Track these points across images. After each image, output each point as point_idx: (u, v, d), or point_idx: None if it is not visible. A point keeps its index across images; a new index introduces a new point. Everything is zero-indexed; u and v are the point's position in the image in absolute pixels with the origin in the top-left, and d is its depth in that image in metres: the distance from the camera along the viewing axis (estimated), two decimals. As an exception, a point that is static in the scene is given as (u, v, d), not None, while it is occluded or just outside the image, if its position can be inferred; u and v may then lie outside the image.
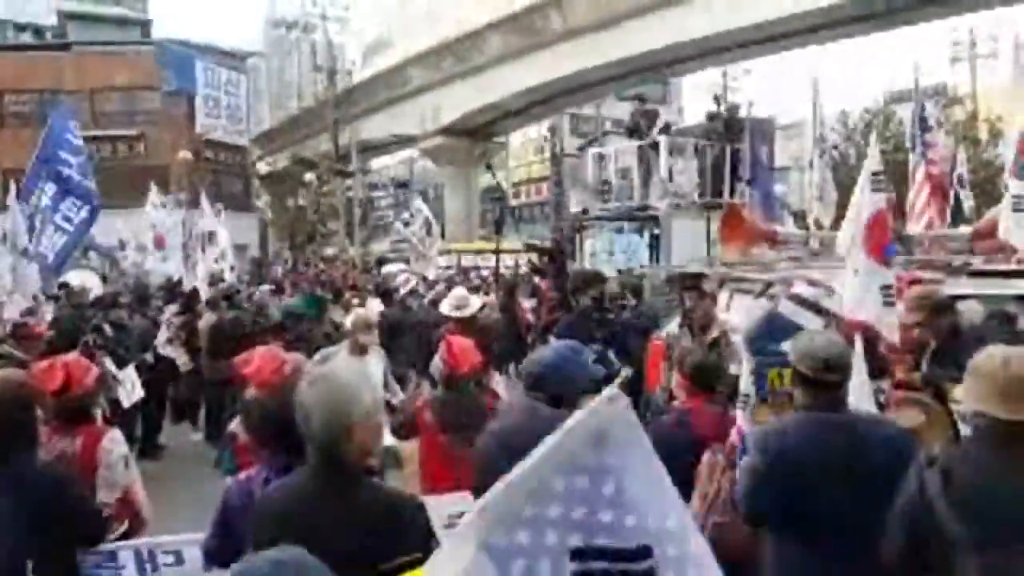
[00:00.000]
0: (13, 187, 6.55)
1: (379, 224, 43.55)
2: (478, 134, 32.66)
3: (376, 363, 5.20)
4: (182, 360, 7.58)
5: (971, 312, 3.62)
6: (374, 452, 2.13)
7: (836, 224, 8.51)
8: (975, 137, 22.22)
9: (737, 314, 4.30)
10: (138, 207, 14.11)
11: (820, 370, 2.47)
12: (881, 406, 3.11)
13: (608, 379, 4.65)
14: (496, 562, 1.18)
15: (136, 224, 14.17)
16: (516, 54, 27.57)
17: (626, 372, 4.50)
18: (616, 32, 23.60)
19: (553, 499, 1.22)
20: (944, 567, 2.08)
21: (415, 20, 38.37)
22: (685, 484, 2.76)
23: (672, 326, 5.35)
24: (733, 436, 3.07)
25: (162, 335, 7.83)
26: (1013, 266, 4.33)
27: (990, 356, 2.17)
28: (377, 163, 47.91)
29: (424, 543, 1.95)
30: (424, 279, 12.34)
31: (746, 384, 3.14)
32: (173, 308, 8.43)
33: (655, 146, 10.51)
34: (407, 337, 7.83)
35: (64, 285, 9.38)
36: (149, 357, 7.64)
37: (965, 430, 2.62)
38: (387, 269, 13.55)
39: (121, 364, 5.73)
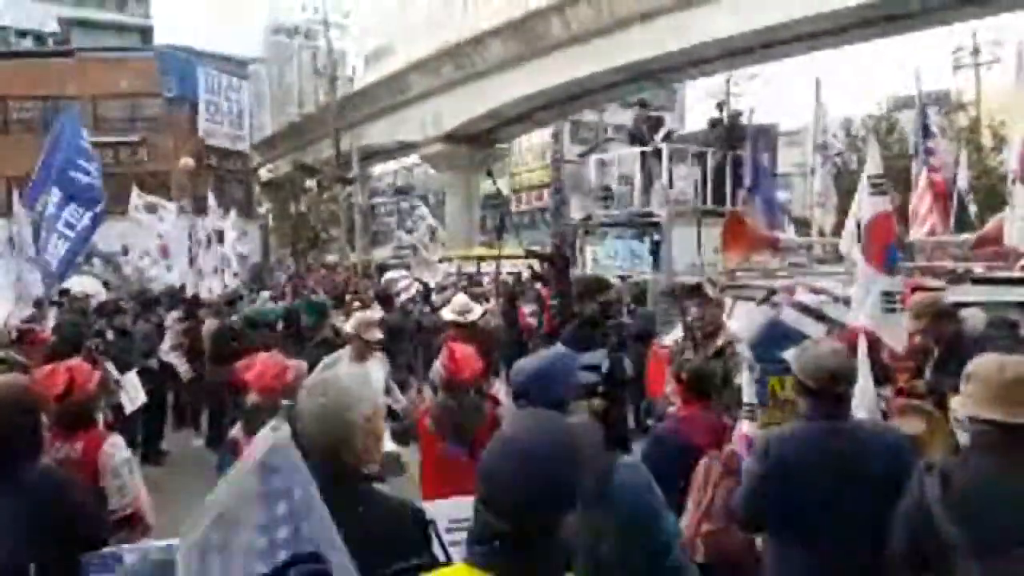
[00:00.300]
0: (16, 194, 6.55)
1: (381, 231, 43.62)
2: (479, 140, 32.70)
3: (378, 369, 5.19)
4: (183, 369, 7.59)
5: (974, 319, 3.60)
6: (374, 458, 2.12)
7: (838, 231, 8.51)
8: (978, 143, 22.23)
9: (739, 321, 4.29)
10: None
11: (824, 381, 2.47)
12: (884, 413, 3.10)
13: (613, 384, 4.65)
14: None
15: (138, 230, 14.18)
16: (517, 60, 27.63)
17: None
18: (618, 38, 23.63)
19: (237, 526, 1.36)
20: (944, 572, 2.09)
21: (416, 26, 38.48)
22: (675, 490, 2.80)
23: (676, 333, 5.34)
24: (735, 444, 3.06)
25: (166, 341, 7.84)
26: (1016, 273, 4.33)
27: (986, 362, 2.19)
28: (378, 169, 48.00)
29: (425, 550, 1.95)
30: (425, 285, 12.35)
31: (750, 393, 3.13)
32: (176, 314, 8.44)
33: (657, 153, 10.52)
34: (407, 342, 7.84)
35: (66, 291, 9.39)
36: (153, 363, 7.65)
37: (963, 439, 2.62)
38: (389, 275, 13.56)
39: (124, 370, 5.73)
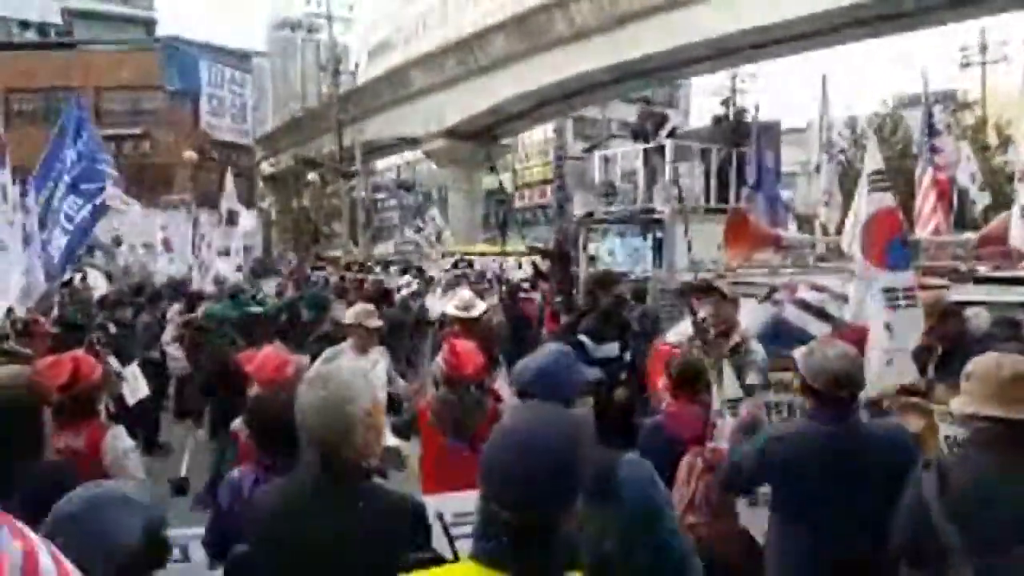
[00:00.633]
0: (19, 186, 6.52)
1: (383, 226, 43.63)
2: (482, 136, 32.67)
3: (380, 361, 5.20)
4: (180, 364, 7.57)
5: (978, 318, 3.59)
6: (375, 452, 2.12)
7: (842, 229, 8.50)
8: (984, 143, 22.17)
9: (741, 319, 4.28)
10: (143, 206, 14.13)
11: (829, 385, 2.49)
12: (884, 412, 3.10)
13: (616, 380, 4.64)
14: None
15: (140, 223, 14.19)
16: (520, 56, 27.59)
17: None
18: (621, 34, 23.59)
19: None
20: (943, 569, 2.09)
21: (419, 22, 38.45)
22: (664, 483, 2.81)
23: (680, 330, 5.33)
24: (720, 440, 3.06)
25: (167, 333, 7.84)
26: (1020, 272, 4.31)
27: (985, 360, 2.22)
28: (381, 164, 47.97)
29: (425, 545, 1.95)
30: (422, 273, 12.38)
31: (734, 389, 3.14)
32: (177, 307, 8.44)
33: (660, 149, 10.50)
34: (407, 337, 7.85)
35: (67, 283, 9.38)
36: (154, 355, 7.66)
37: (948, 430, 2.62)
38: (403, 280, 13.56)
39: (125, 362, 5.73)
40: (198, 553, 2.54)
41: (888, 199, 3.46)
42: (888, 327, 3.24)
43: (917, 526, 2.17)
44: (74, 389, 2.98)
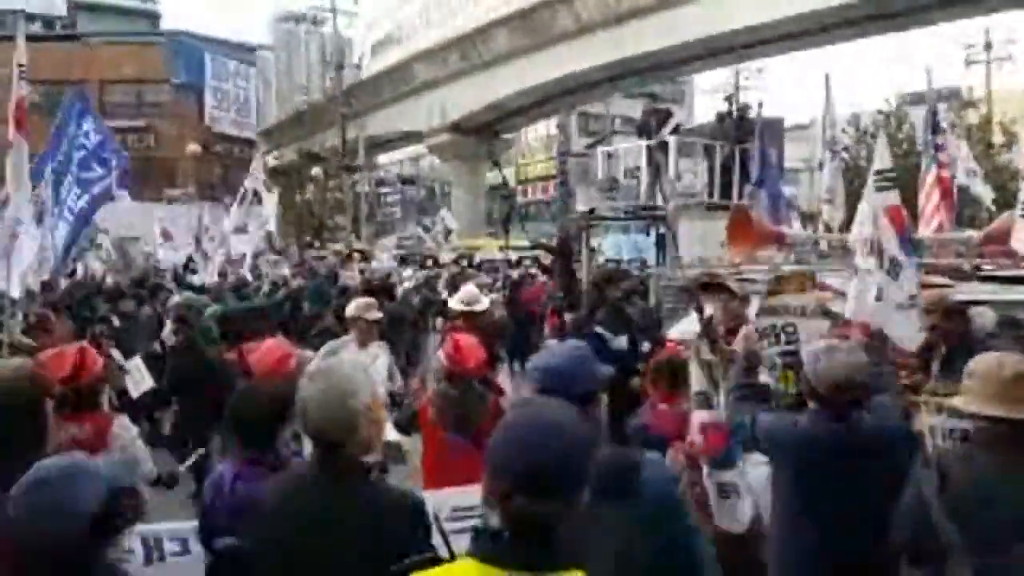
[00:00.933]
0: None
1: (386, 220, 43.58)
2: (485, 131, 32.62)
3: (381, 355, 5.20)
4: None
5: (983, 317, 3.58)
6: (375, 447, 2.14)
7: (846, 227, 8.47)
8: (989, 141, 22.07)
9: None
10: (147, 200, 14.19)
11: (831, 390, 2.53)
12: None
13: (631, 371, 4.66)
14: None
15: (143, 216, 14.25)
16: (524, 51, 27.52)
17: None
18: (626, 29, 23.53)
19: None
20: (942, 568, 2.11)
21: (423, 16, 38.32)
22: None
23: (683, 327, 5.33)
24: (694, 435, 3.08)
25: (168, 325, 7.83)
26: (1024, 271, 4.29)
27: (986, 359, 2.25)
28: (384, 159, 47.91)
29: (425, 542, 1.95)
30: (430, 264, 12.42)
31: (700, 382, 3.18)
32: (178, 299, 8.43)
33: (664, 146, 10.47)
34: (407, 332, 7.86)
35: (72, 273, 9.41)
36: (156, 347, 7.66)
37: (933, 420, 2.64)
38: (405, 273, 13.64)
39: (127, 355, 5.74)
40: (197, 547, 2.54)
41: (894, 198, 3.46)
42: (890, 326, 3.25)
43: (917, 524, 2.18)
44: (78, 381, 3.00)
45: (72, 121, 6.71)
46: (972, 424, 2.32)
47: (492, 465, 1.37)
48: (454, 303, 6.03)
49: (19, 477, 2.01)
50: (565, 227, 13.74)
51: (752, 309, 4.07)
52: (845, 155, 15.39)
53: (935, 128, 7.97)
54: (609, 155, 12.31)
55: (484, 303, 5.98)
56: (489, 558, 1.33)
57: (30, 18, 34.81)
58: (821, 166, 8.86)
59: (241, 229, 11.69)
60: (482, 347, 3.96)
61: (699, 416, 3.12)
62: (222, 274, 10.95)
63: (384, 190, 47.21)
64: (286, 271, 12.12)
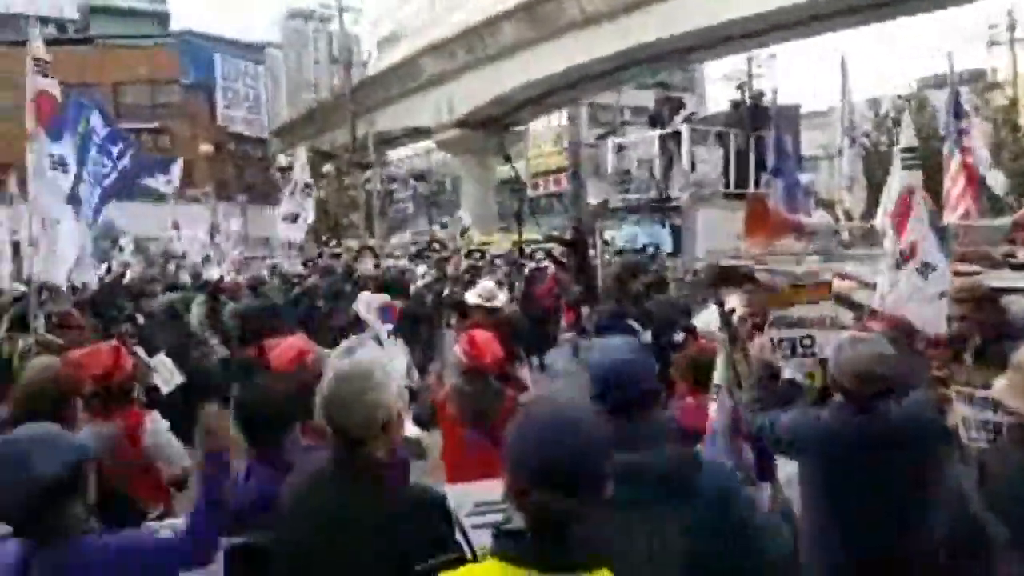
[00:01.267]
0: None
1: (399, 216, 43.64)
2: (494, 125, 32.54)
3: (399, 352, 5.20)
4: (216, 346, 7.61)
5: (1017, 305, 3.48)
6: (396, 444, 2.11)
7: (866, 215, 8.34)
8: (1015, 123, 21.70)
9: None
10: (164, 201, 14.34)
11: (855, 383, 2.50)
12: None
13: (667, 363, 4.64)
14: None
15: (159, 215, 14.41)
16: (531, 43, 27.41)
17: None
18: (634, 19, 23.35)
19: None
20: (981, 562, 2.08)
21: (429, 10, 38.25)
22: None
23: (705, 317, 5.26)
24: (715, 422, 3.04)
25: (192, 320, 7.86)
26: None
27: None
28: (395, 155, 47.95)
29: (449, 540, 1.94)
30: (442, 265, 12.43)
31: (722, 375, 3.14)
32: (201, 298, 8.47)
33: (677, 135, 10.36)
34: (423, 328, 7.84)
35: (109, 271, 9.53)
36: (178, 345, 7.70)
37: (965, 411, 2.58)
38: (420, 270, 13.71)
39: (152, 352, 5.78)
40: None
41: (917, 177, 3.40)
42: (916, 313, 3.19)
43: (955, 519, 2.15)
44: (112, 379, 3.08)
45: (78, 118, 6.68)
46: (1005, 418, 2.23)
47: (509, 462, 1.36)
48: (471, 297, 6.02)
49: None
50: (578, 220, 13.70)
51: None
52: (865, 141, 15.14)
53: (958, 112, 7.81)
54: (620, 146, 12.23)
55: (501, 299, 5.98)
56: (511, 557, 1.32)
57: (43, 21, 35.07)
58: (840, 153, 8.71)
59: (290, 218, 11.87)
60: (499, 342, 3.97)
61: (712, 408, 3.11)
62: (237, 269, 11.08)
63: (395, 186, 47.29)
64: (300, 267, 12.19)
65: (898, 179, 3.47)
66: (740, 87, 12.99)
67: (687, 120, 10.81)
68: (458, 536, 2.06)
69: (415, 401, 4.64)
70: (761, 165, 9.86)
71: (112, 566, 1.83)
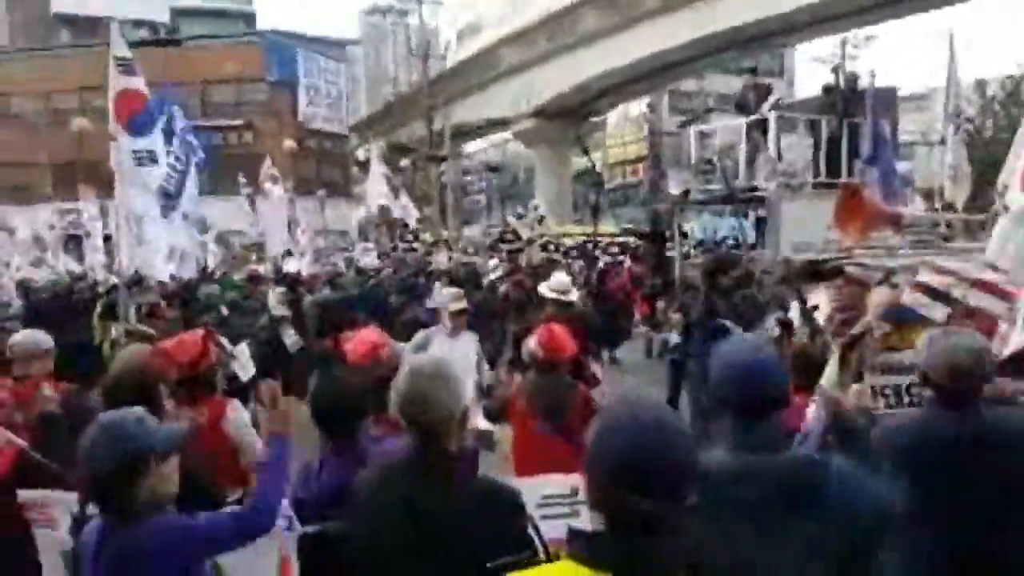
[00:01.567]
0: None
1: (472, 209, 43.98)
2: (572, 115, 32.31)
3: (470, 345, 5.19)
4: (290, 340, 7.81)
5: None
6: (465, 438, 2.17)
7: (971, 205, 7.77)
8: None
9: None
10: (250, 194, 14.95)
11: (943, 377, 2.38)
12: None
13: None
14: None
15: (241, 210, 14.99)
16: (611, 31, 27.06)
17: None
18: (713, 4, 22.66)
19: None
20: None
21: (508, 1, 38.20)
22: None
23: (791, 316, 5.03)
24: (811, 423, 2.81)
25: (273, 308, 8.08)
26: None
27: None
28: (470, 147, 48.32)
29: (522, 538, 1.97)
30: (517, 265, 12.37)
31: (828, 376, 2.91)
32: (280, 290, 8.68)
33: (763, 122, 9.90)
34: (496, 321, 7.81)
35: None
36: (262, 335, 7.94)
37: None
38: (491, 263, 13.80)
39: (234, 342, 5.95)
40: (299, 525, 2.61)
41: None
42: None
43: None
44: (198, 368, 3.17)
45: (161, 112, 6.87)
46: None
47: (588, 461, 1.35)
48: (544, 290, 5.97)
49: None
50: (656, 211, 13.38)
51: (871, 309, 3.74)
52: (969, 127, 14.05)
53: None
54: (703, 134, 11.80)
55: (574, 293, 5.94)
56: (583, 559, 1.30)
57: (137, 24, 37.02)
58: (943, 141, 8.09)
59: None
60: (575, 336, 3.93)
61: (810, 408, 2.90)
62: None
63: (469, 178, 47.68)
64: (375, 260, 12.39)
65: None
66: (835, 70, 12.25)
67: (775, 106, 10.30)
68: (530, 531, 2.06)
69: (487, 394, 4.62)
70: (854, 153, 9.30)
71: (173, 547, 1.95)
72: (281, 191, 14.06)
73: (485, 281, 10.65)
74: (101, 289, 9.09)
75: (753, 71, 12.41)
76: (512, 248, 13.31)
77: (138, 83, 5.24)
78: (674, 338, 7.11)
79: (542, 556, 2.01)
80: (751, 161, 9.84)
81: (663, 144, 32.70)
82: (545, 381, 3.79)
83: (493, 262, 12.63)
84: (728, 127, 11.17)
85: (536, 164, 35.90)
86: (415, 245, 17.20)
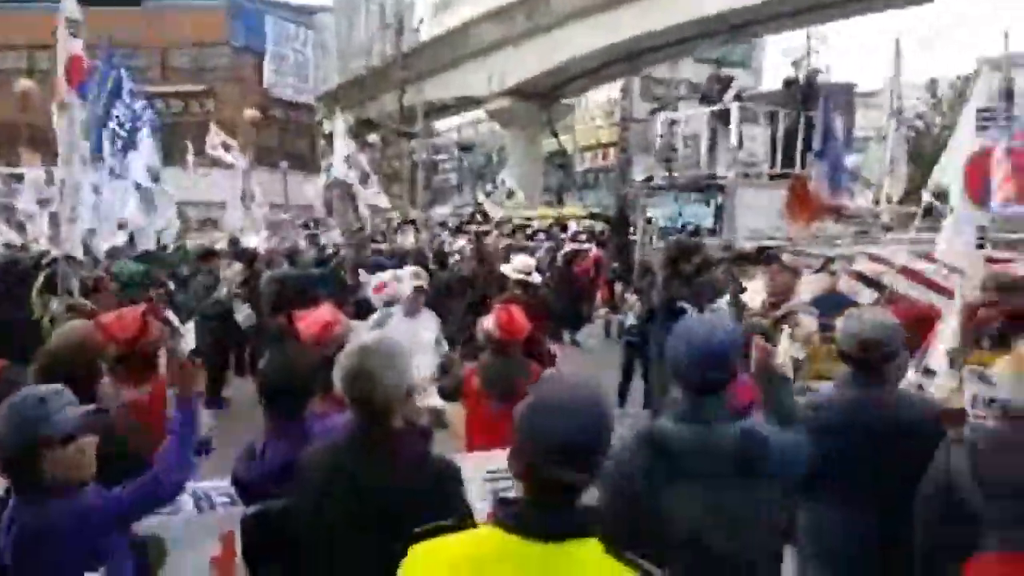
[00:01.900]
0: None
1: (441, 187, 43.59)
2: (545, 96, 32.08)
3: (428, 324, 5.24)
4: (243, 315, 7.73)
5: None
6: (414, 418, 2.20)
7: (905, 199, 8.13)
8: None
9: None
10: (208, 164, 14.55)
11: (855, 350, 2.49)
12: None
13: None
14: None
15: (197, 181, 14.59)
16: (586, 12, 26.84)
17: None
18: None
19: None
20: (968, 543, 2.10)
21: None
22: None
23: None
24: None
25: (222, 289, 7.97)
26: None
27: None
28: (441, 125, 47.72)
29: (459, 506, 1.99)
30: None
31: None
32: (238, 266, 8.58)
33: (725, 113, 10.09)
34: (457, 301, 7.88)
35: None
36: (214, 310, 7.86)
37: (979, 387, 2.53)
38: (457, 244, 13.68)
39: (182, 318, 5.87)
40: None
41: (990, 139, 3.48)
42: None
43: (943, 502, 2.17)
44: (138, 344, 3.01)
45: (107, 76, 6.64)
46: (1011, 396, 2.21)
47: (519, 435, 1.43)
48: (508, 271, 6.05)
49: None
50: (623, 196, 13.51)
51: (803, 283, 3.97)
52: (919, 122, 14.47)
53: (1009, 95, 7.45)
54: (672, 122, 11.95)
55: (536, 276, 6.04)
56: (509, 526, 1.38)
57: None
58: (885, 137, 8.42)
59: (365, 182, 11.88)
60: (530, 318, 4.01)
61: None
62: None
63: (440, 157, 47.17)
64: (339, 237, 12.28)
65: (969, 140, 3.54)
66: (795, 63, 12.48)
67: (738, 97, 10.51)
68: (480, 503, 2.17)
69: (445, 373, 4.71)
70: (809, 145, 9.57)
71: (80, 526, 1.95)
72: (235, 160, 13.45)
73: (451, 261, 10.75)
74: (44, 261, 8.80)
75: (718, 62, 12.59)
76: (480, 230, 13.32)
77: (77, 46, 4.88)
78: (630, 320, 7.27)
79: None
80: (712, 149, 10.04)
81: (632, 130, 32.77)
82: (500, 361, 3.81)
83: (459, 243, 12.67)
84: (693, 116, 11.35)
85: (507, 143, 35.72)
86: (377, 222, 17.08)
